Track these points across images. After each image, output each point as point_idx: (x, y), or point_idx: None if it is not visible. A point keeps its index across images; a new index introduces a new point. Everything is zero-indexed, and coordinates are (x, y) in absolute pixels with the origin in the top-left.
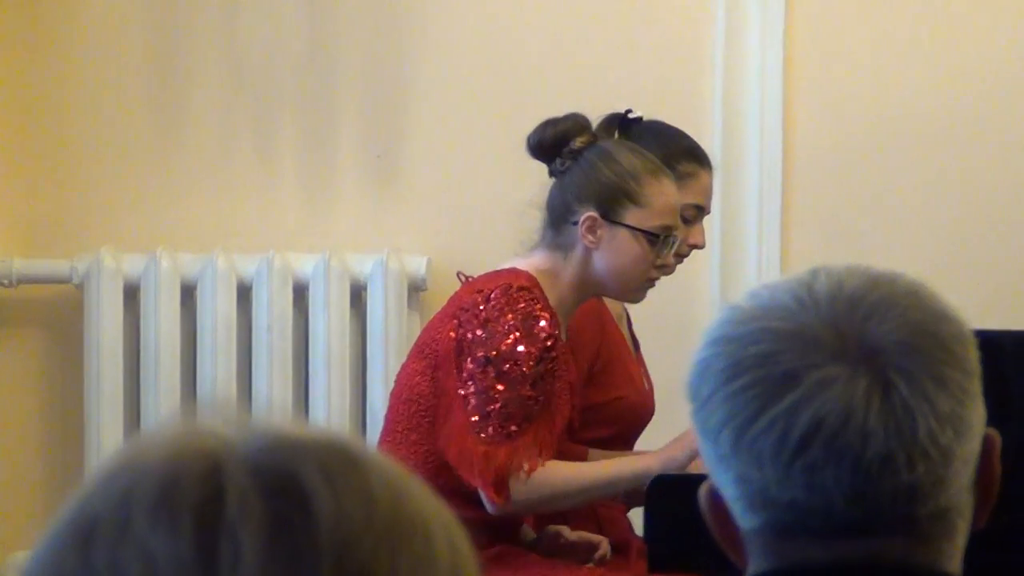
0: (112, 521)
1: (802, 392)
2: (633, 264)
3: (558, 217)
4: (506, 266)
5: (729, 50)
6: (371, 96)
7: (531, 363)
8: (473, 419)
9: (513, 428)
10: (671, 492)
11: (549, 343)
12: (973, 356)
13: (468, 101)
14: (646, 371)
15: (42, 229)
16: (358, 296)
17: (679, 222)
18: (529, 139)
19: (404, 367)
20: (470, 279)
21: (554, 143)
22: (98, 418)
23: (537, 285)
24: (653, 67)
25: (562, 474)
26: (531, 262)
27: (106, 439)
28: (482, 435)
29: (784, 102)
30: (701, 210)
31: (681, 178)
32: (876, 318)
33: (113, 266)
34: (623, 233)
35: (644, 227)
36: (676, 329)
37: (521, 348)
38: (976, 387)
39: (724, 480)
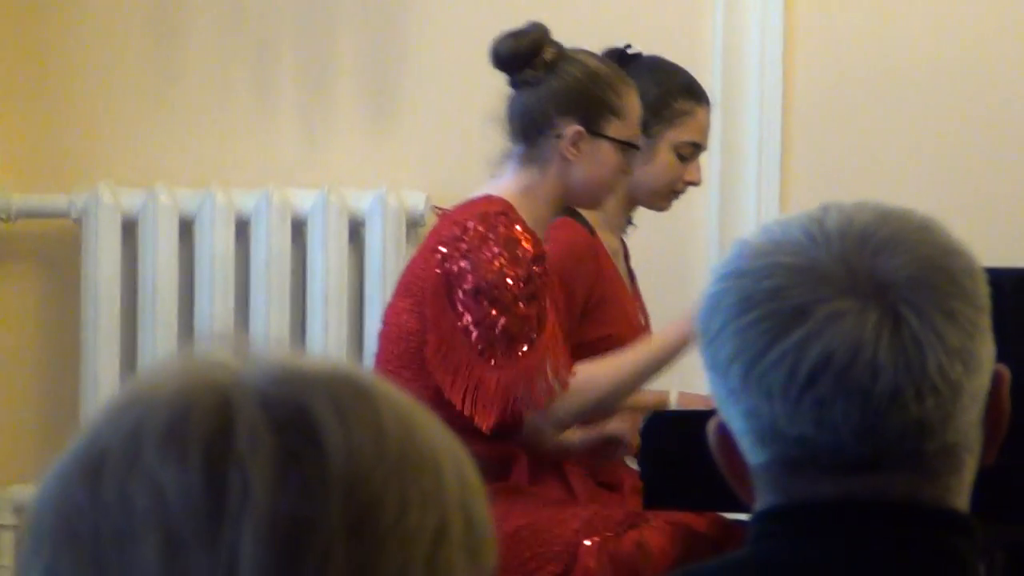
0: (121, 454)
1: (812, 326)
2: (611, 175)
3: (534, 130)
4: (480, 193)
5: None
6: (370, 31)
7: (521, 284)
8: (479, 348)
9: (524, 348)
10: (667, 428)
11: (535, 261)
12: (983, 291)
13: (466, 36)
14: (642, 306)
15: (40, 164)
16: (356, 232)
17: None
18: (497, 50)
19: (391, 306)
20: (446, 212)
21: (527, 53)
22: (95, 352)
23: (512, 208)
24: (654, 6)
25: (599, 373)
26: (504, 185)
27: (103, 373)
28: (493, 362)
29: (784, 39)
30: (698, 147)
31: (677, 116)
32: (886, 253)
33: (111, 201)
34: (604, 145)
35: (623, 138)
36: (675, 265)
37: (508, 272)
38: (986, 322)
39: (733, 414)
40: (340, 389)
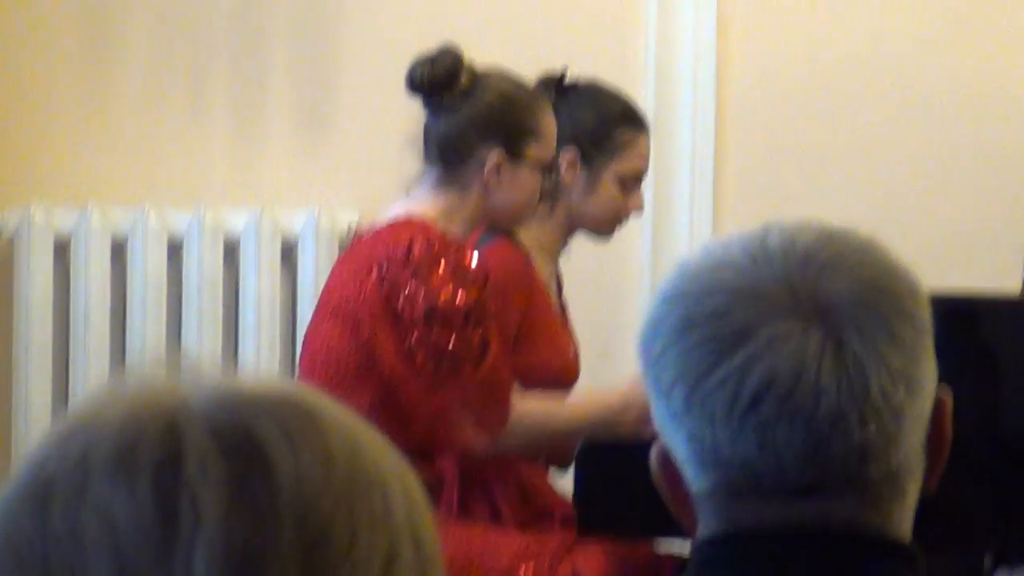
0: (69, 483)
1: (754, 348)
2: (530, 197)
3: (454, 155)
4: (400, 213)
5: (662, 8)
6: (301, 50)
7: (470, 306)
8: (425, 370)
9: (470, 371)
10: (601, 454)
11: (482, 284)
12: (926, 313)
13: (399, 56)
14: (573, 336)
15: None
16: (289, 252)
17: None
18: (413, 75)
19: (314, 330)
20: (364, 233)
21: (444, 80)
22: (27, 372)
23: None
24: (586, 26)
25: (542, 417)
26: (423, 206)
27: (34, 393)
28: (441, 385)
29: (717, 62)
30: (640, 176)
31: (619, 147)
32: (828, 274)
33: (43, 221)
34: (524, 170)
35: (543, 160)
36: (607, 292)
37: (460, 296)
38: (929, 344)
39: (676, 439)
40: (286, 412)
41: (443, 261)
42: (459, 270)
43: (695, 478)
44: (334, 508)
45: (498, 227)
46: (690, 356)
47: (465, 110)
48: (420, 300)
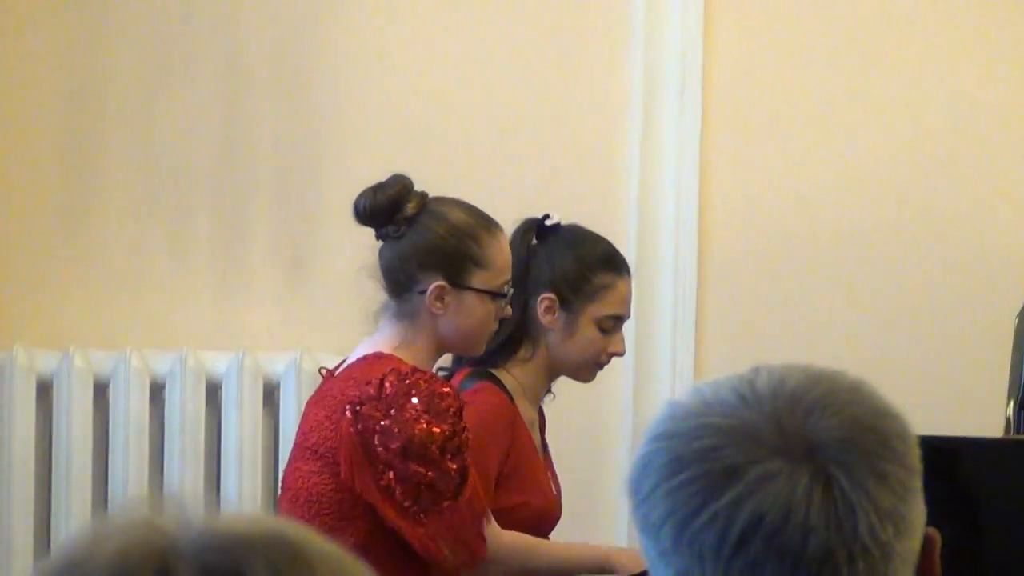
0: None
1: (743, 488)
2: (481, 324)
3: (399, 285)
4: (367, 351)
5: (645, 157)
6: (285, 193)
7: (446, 439)
8: (405, 505)
9: (446, 504)
10: None
11: (457, 416)
12: (915, 453)
13: None
14: (554, 475)
15: None
16: (271, 395)
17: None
18: (357, 206)
19: (294, 470)
20: (333, 372)
21: (388, 209)
22: (8, 515)
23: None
24: (569, 173)
25: (523, 544)
26: (386, 341)
27: (16, 535)
28: (418, 520)
29: (700, 207)
30: (620, 319)
31: (598, 291)
32: (817, 414)
33: (26, 363)
34: (470, 296)
35: (489, 287)
36: (588, 433)
37: (435, 429)
38: (917, 484)
39: None
40: (274, 550)
41: (415, 396)
42: (432, 403)
43: None
44: None
45: (457, 353)
46: (679, 495)
47: (407, 240)
48: (395, 436)
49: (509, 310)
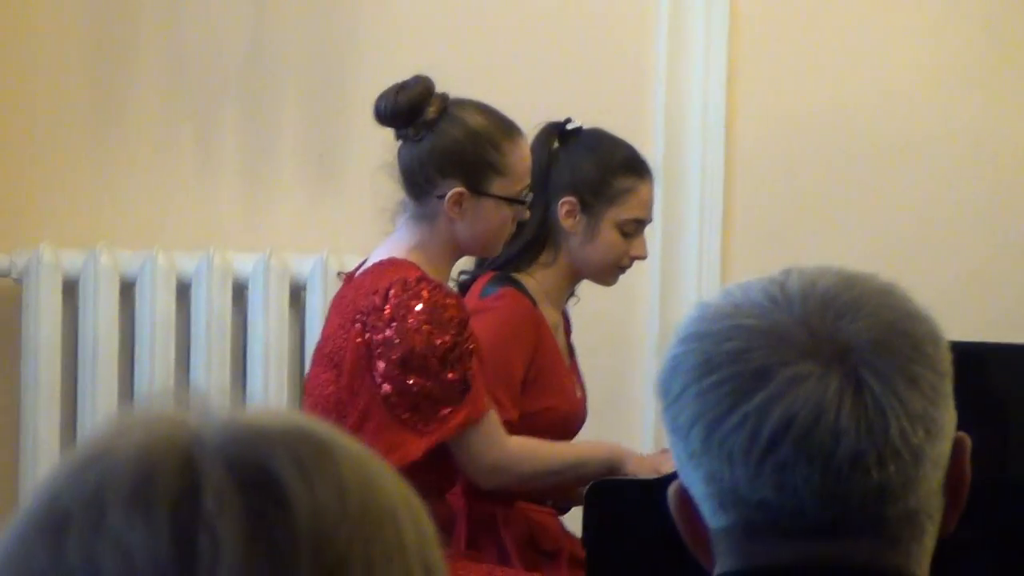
0: (85, 515)
1: (773, 389)
2: (499, 229)
3: (418, 188)
4: (383, 255)
5: (672, 56)
6: (312, 94)
7: (447, 350)
8: (403, 417)
9: (447, 411)
10: (610, 496)
11: (461, 326)
12: (945, 357)
13: None
14: (580, 379)
15: None
16: (297, 296)
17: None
18: (378, 107)
19: (313, 377)
20: (352, 277)
21: (408, 111)
22: (34, 412)
23: (423, 271)
24: (596, 73)
25: (531, 452)
26: (403, 244)
27: (42, 434)
28: (416, 427)
29: (727, 111)
30: (641, 223)
31: (619, 194)
32: (848, 316)
33: (52, 261)
34: (488, 203)
35: (508, 194)
36: (615, 337)
37: (436, 340)
38: (948, 388)
39: (693, 479)
40: (300, 445)
41: (418, 304)
42: (435, 314)
43: (712, 517)
44: (350, 540)
45: (473, 256)
46: (709, 396)
47: (427, 143)
48: (395, 347)
49: (527, 214)
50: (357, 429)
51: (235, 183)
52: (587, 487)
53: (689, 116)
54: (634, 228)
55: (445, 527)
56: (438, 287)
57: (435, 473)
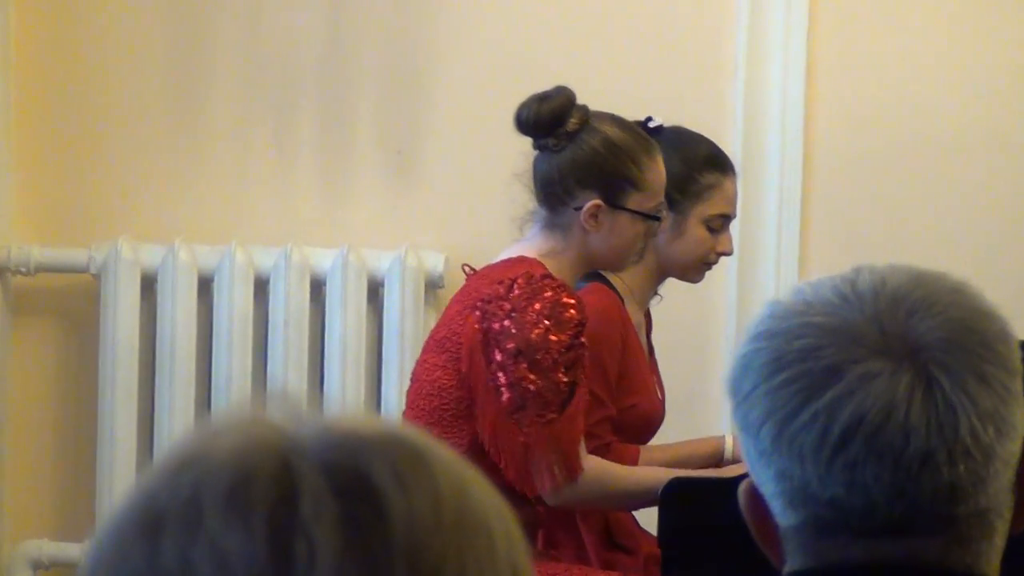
0: (181, 517)
1: (844, 387)
2: (631, 244)
3: (555, 198)
4: (512, 254)
5: (751, 54)
6: (390, 91)
7: (562, 350)
8: (509, 410)
9: (551, 415)
10: (685, 494)
11: (579, 329)
12: (1016, 356)
13: (487, 98)
14: (659, 378)
15: (61, 217)
16: (375, 292)
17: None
18: (520, 115)
19: (422, 362)
20: (476, 271)
21: (550, 121)
22: (112, 407)
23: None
24: (675, 70)
25: (614, 472)
26: (533, 247)
27: (119, 429)
28: (521, 425)
29: (805, 107)
30: (727, 219)
31: (705, 190)
32: (919, 314)
33: (131, 256)
34: (624, 217)
35: (644, 209)
36: (693, 336)
37: (552, 337)
38: (1018, 387)
39: (764, 477)
40: (396, 452)
41: (540, 301)
42: (555, 311)
43: (783, 514)
44: (444, 548)
45: (603, 269)
46: (779, 394)
47: (567, 154)
48: (512, 336)
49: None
50: (459, 416)
51: (313, 178)
52: (663, 486)
53: (768, 113)
54: (720, 224)
55: (527, 530)
56: (562, 286)
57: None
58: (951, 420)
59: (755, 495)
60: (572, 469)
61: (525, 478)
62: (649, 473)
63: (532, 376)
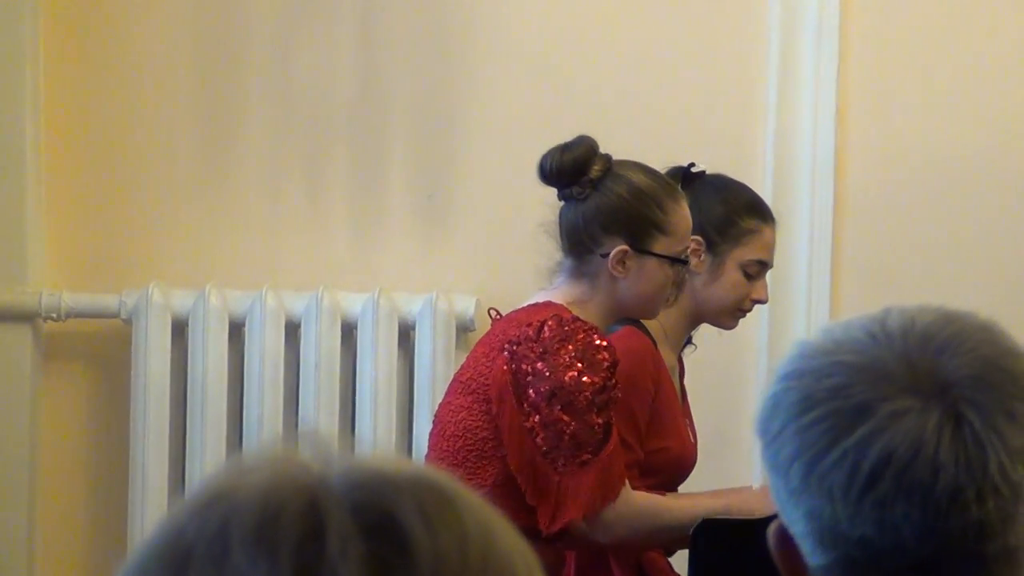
0: (208, 553)
1: (873, 424)
2: (660, 289)
3: (581, 246)
4: (539, 300)
5: (782, 98)
6: (422, 135)
7: (596, 391)
8: (544, 450)
9: (586, 457)
10: (716, 536)
11: (611, 371)
12: None
13: (518, 143)
14: (692, 423)
15: (92, 263)
16: (406, 336)
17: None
18: (543, 165)
19: (446, 404)
20: (502, 315)
21: (573, 170)
22: (144, 452)
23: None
24: (705, 114)
25: (652, 504)
26: (560, 294)
27: (151, 473)
28: (556, 466)
29: (836, 151)
30: (764, 265)
31: (744, 234)
32: (948, 352)
33: (162, 301)
34: (651, 262)
35: (670, 253)
36: (724, 379)
37: (585, 379)
38: None
39: (794, 516)
40: (423, 493)
41: (572, 343)
42: (588, 353)
43: (813, 554)
44: None
45: (633, 316)
46: (808, 433)
47: (592, 201)
48: (545, 379)
49: (686, 277)
50: (484, 456)
51: (344, 223)
52: (693, 527)
53: (798, 155)
54: (757, 270)
55: (554, 572)
56: (592, 328)
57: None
58: (980, 457)
59: (785, 536)
60: (607, 499)
61: (557, 515)
62: (688, 507)
63: (567, 418)
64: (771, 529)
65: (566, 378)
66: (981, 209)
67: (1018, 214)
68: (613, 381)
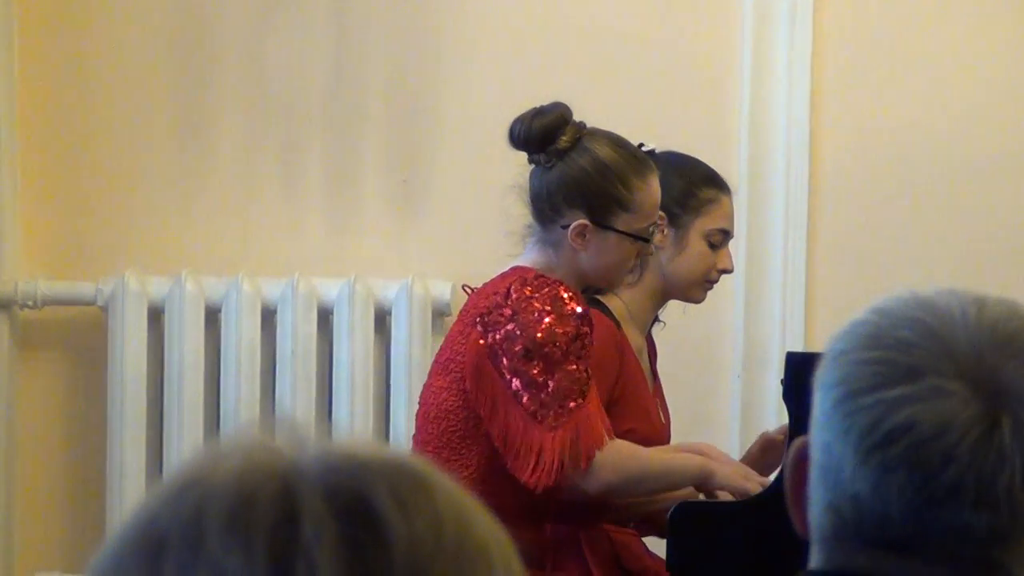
0: (183, 538)
1: (914, 389)
2: (620, 263)
3: (544, 215)
4: (508, 268)
5: (756, 76)
6: (396, 120)
7: (569, 340)
8: (531, 410)
9: (572, 404)
10: (694, 519)
11: (581, 319)
12: None
13: (492, 127)
14: (664, 404)
15: (67, 251)
16: (382, 321)
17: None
18: (512, 130)
19: (428, 386)
20: (475, 289)
21: (541, 139)
22: (121, 439)
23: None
24: (680, 97)
25: (635, 449)
26: (528, 260)
27: (128, 460)
28: (546, 421)
29: (811, 127)
30: (727, 234)
31: (704, 204)
32: (1018, 361)
33: (138, 288)
34: (612, 237)
35: (632, 230)
36: (701, 360)
37: (558, 330)
38: None
39: (816, 441)
40: (398, 477)
41: (538, 298)
42: (556, 304)
43: (813, 487)
44: (444, 572)
45: (594, 286)
46: (860, 367)
47: (556, 171)
48: (517, 338)
49: (652, 250)
50: (467, 436)
51: (319, 209)
52: (670, 511)
53: (773, 135)
54: (720, 239)
55: (535, 554)
56: (556, 282)
57: (529, 498)
58: (996, 467)
59: (803, 457)
60: (593, 449)
61: (544, 474)
62: (666, 454)
63: (546, 373)
64: (794, 444)
65: (537, 334)
66: (952, 188)
67: (987, 193)
68: (585, 328)
